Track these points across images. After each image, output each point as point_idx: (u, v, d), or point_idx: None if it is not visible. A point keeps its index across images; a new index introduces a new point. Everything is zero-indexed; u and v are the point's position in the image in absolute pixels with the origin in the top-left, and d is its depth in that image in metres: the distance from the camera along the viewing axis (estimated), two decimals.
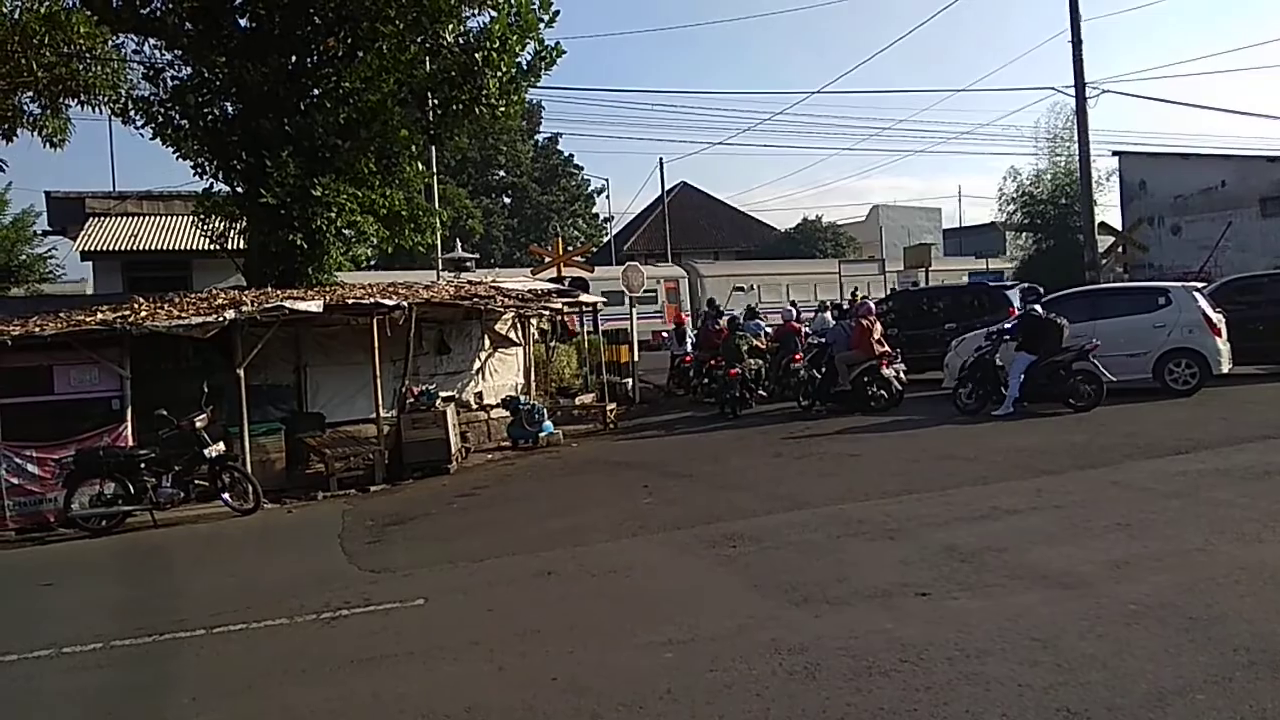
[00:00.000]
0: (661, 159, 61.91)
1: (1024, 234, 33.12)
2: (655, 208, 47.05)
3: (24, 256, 21.11)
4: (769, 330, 18.20)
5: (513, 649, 5.37)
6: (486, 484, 11.48)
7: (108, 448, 10.60)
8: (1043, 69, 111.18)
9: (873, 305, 15.46)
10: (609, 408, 16.02)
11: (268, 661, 5.57)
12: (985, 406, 13.05)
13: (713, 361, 16.27)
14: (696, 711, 4.29)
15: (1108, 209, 29.27)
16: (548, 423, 14.39)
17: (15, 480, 10.54)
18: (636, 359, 18.69)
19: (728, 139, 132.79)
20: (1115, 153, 29.90)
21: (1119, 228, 26.48)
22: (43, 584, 8.21)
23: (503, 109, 15.05)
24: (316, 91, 14.06)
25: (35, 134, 15.29)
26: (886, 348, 14.32)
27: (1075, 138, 23.26)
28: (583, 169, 52.79)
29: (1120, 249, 24.98)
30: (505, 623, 5.93)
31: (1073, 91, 22.30)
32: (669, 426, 15.25)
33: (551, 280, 18.49)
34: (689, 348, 18.95)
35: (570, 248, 22.37)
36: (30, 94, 14.68)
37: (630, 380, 18.40)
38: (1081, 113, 22.24)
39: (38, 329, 10.79)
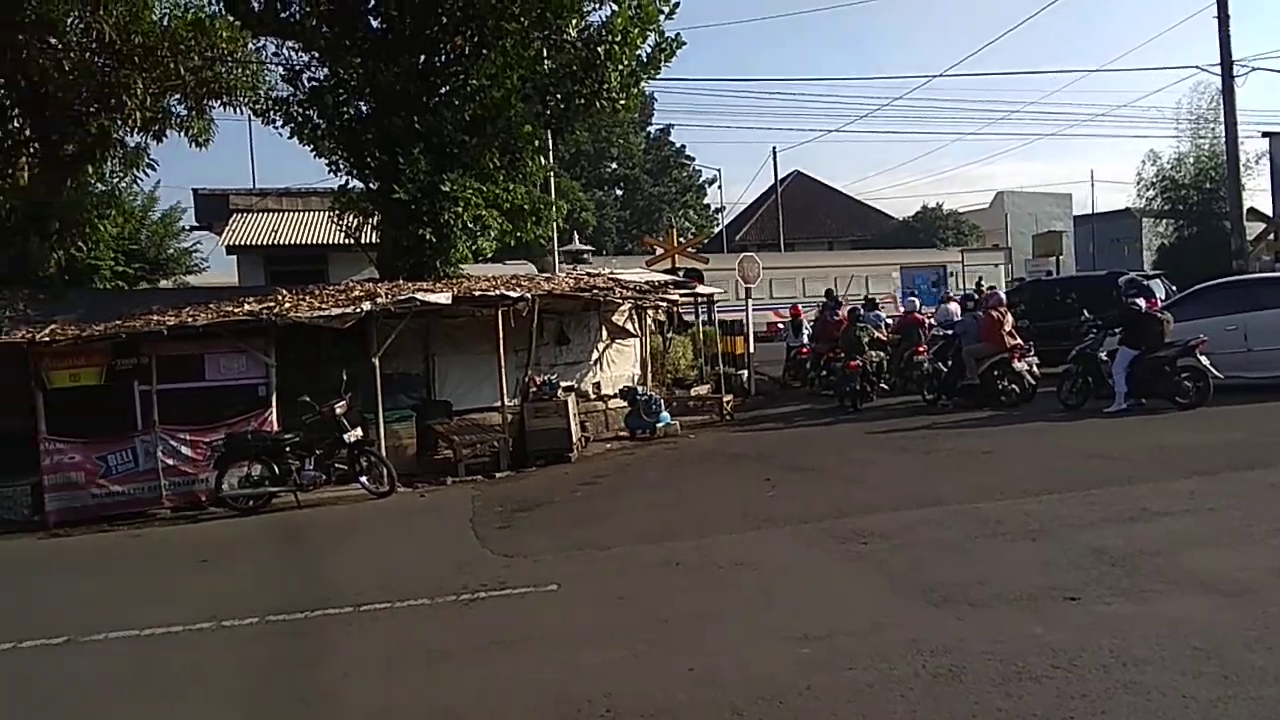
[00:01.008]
0: (775, 148, 61.24)
1: (1164, 221, 31.28)
2: (768, 197, 46.59)
3: (171, 250, 22.43)
4: (890, 321, 17.78)
5: (646, 637, 5.42)
6: (607, 473, 11.62)
7: (255, 432, 11.21)
8: (1185, 46, 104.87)
9: (1003, 296, 14.89)
10: (725, 399, 15.97)
11: (412, 640, 5.79)
12: (1086, 401, 12.62)
13: (831, 353, 16.01)
14: (838, 710, 4.24)
15: (1256, 194, 27.33)
16: (665, 413, 14.46)
17: (170, 461, 11.25)
18: (752, 350, 18.57)
19: (843, 126, 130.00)
20: (1265, 134, 27.86)
21: (1269, 214, 24.72)
22: (199, 560, 8.76)
23: (623, 102, 15.14)
24: (444, 89, 14.45)
25: (182, 134, 16.19)
26: (1018, 340, 13.79)
27: (1221, 119, 21.82)
28: (694, 160, 52.76)
29: (1271, 236, 23.32)
30: (637, 611, 6.00)
31: (1219, 70, 20.93)
32: (787, 419, 15.10)
33: (666, 271, 18.55)
34: (805, 339, 18.71)
35: (682, 239, 22.39)
36: (178, 96, 15.50)
37: (746, 372, 18.30)
38: (1229, 92, 20.85)
39: (190, 319, 11.48)
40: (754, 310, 19.50)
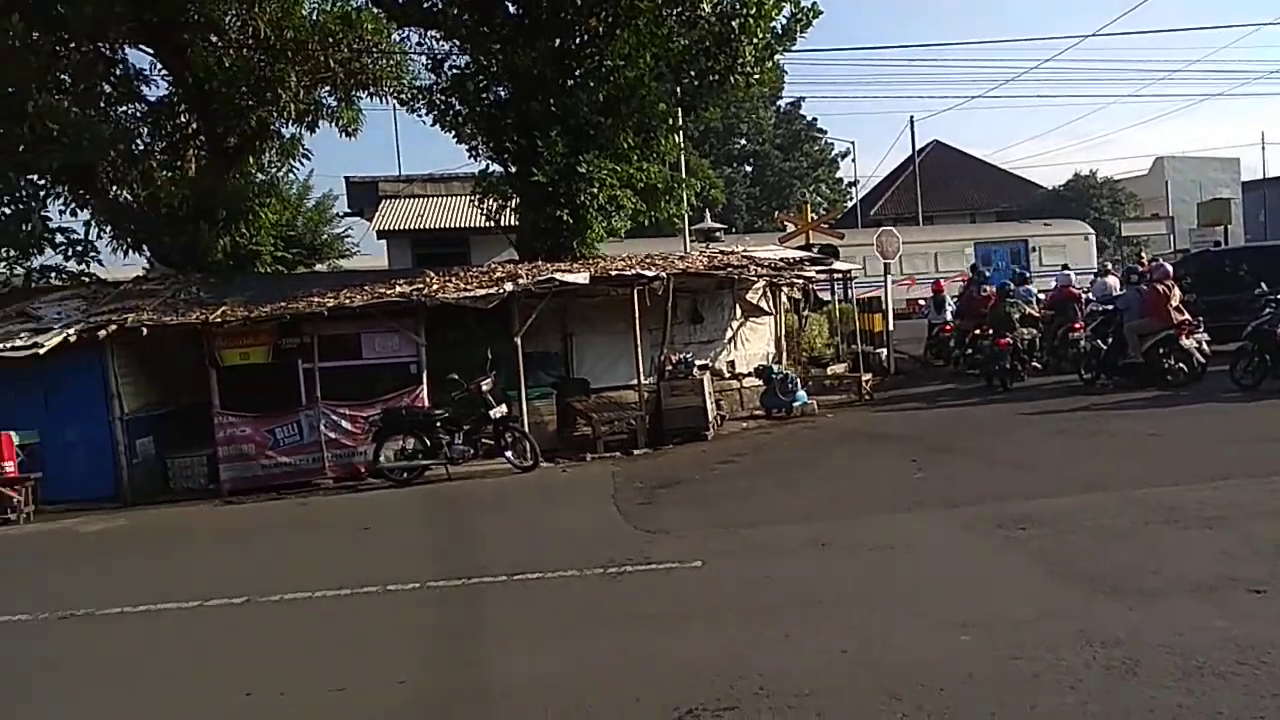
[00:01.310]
0: (912, 117, 59.21)
1: None
2: (904, 169, 45.07)
3: (325, 236, 23.56)
4: (1042, 296, 16.93)
5: (796, 618, 5.38)
6: (745, 452, 11.58)
7: (408, 407, 11.74)
8: None
9: (1170, 268, 13.92)
10: (864, 378, 15.62)
11: (564, 610, 5.95)
12: (1263, 381, 11.73)
13: (978, 330, 15.38)
14: (1004, 700, 4.10)
15: None
16: (801, 392, 14.27)
17: (332, 435, 11.91)
18: (891, 328, 18.07)
19: (987, 92, 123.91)
20: None
21: None
22: (362, 528, 9.26)
23: (757, 77, 14.93)
24: (579, 72, 14.59)
25: (332, 125, 16.95)
26: (1186, 315, 12.90)
27: None
28: (826, 133, 51.55)
29: None
30: (785, 591, 5.96)
31: None
32: (930, 399, 14.64)
33: (800, 248, 18.24)
34: (949, 316, 18.05)
35: (814, 215, 21.92)
36: (328, 88, 16.20)
37: (885, 350, 17.83)
38: None
39: (348, 301, 12.08)
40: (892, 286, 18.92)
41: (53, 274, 15.22)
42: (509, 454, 11.58)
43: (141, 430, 12.18)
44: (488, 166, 15.83)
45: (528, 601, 6.20)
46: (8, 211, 14.09)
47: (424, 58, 15.84)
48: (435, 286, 12.57)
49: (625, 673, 4.75)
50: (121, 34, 13.93)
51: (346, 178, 20.29)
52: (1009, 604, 5.28)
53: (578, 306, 13.95)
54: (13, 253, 14.60)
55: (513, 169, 15.02)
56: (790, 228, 20.50)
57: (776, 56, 15.15)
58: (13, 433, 11.06)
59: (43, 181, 14.24)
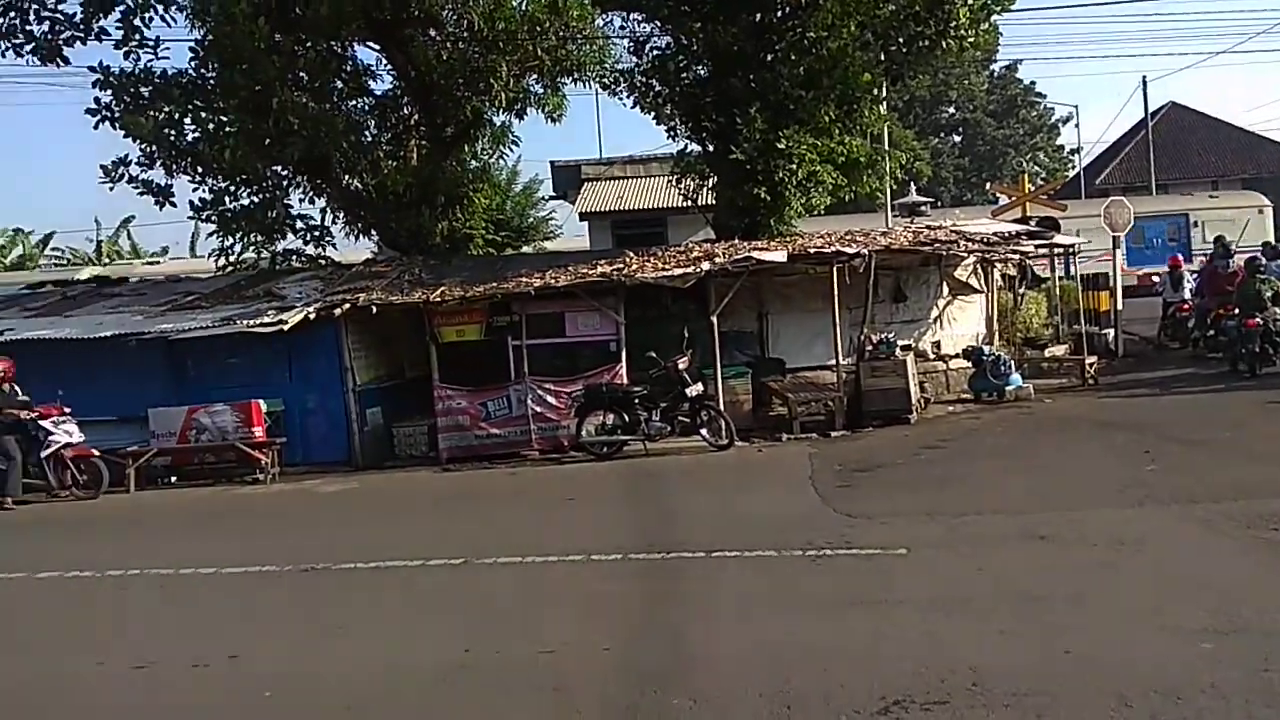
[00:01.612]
0: (1144, 77, 53.94)
1: None
2: (1135, 134, 41.27)
3: (531, 219, 24.57)
4: None
5: (1011, 613, 5.10)
6: (952, 437, 11.07)
7: (608, 384, 12.06)
8: None
9: None
10: (1087, 361, 14.49)
11: (764, 590, 5.93)
12: None
13: (1221, 310, 13.89)
14: (1253, 713, 3.73)
15: None
16: (1015, 375, 13.43)
17: (538, 409, 12.44)
18: (1120, 307, 16.64)
19: (1232, 47, 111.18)
20: None
21: None
22: (566, 498, 9.63)
23: (971, 40, 14.11)
24: (780, 45, 14.33)
25: (539, 111, 17.58)
26: None
27: None
28: (1045, 97, 48.01)
29: None
30: (999, 584, 5.67)
31: None
32: (1164, 384, 13.37)
33: (1015, 221, 17.12)
34: (1187, 294, 16.41)
35: (1032, 185, 20.47)
36: (535, 76, 16.82)
37: (1111, 331, 16.46)
38: None
39: (553, 281, 12.53)
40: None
41: (294, 257, 16.74)
42: (704, 432, 11.66)
43: (371, 401, 13.21)
44: (686, 146, 15.92)
45: (727, 579, 6.22)
46: (256, 200, 15.60)
47: (626, 41, 16.13)
48: (634, 266, 12.80)
49: (829, 657, 4.67)
50: (352, 32, 15.05)
51: (551, 162, 21.07)
52: (1259, 610, 4.75)
53: (774, 285, 13.80)
54: (260, 237, 16.18)
55: (710, 148, 15.02)
56: (1004, 199, 19.28)
57: (994, 17, 14.25)
58: (261, 401, 12.31)
59: (285, 172, 15.66)
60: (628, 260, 13.17)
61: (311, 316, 12.43)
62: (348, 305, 12.59)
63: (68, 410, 11.71)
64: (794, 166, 13.80)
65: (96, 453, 11.69)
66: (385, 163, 16.19)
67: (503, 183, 21.63)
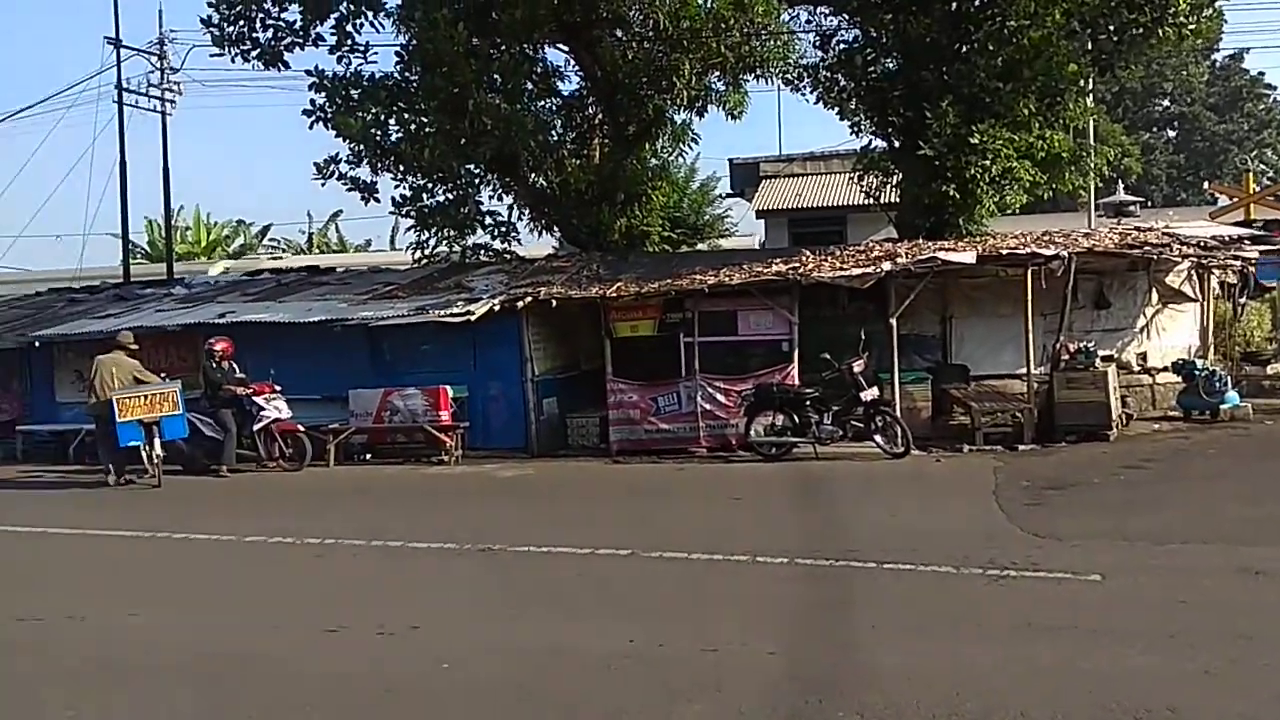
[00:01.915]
0: None
1: None
2: None
3: (706, 216, 24.58)
4: None
5: (1218, 651, 4.63)
6: (1157, 457, 10.21)
7: (779, 384, 11.91)
8: None
9: None
10: None
11: (937, 607, 5.66)
12: None
13: None
14: None
15: None
16: (1232, 393, 12.25)
17: (708, 406, 12.45)
18: None
19: None
20: None
21: None
22: (733, 497, 9.58)
23: (1192, 27, 12.96)
24: (977, 35, 13.67)
25: (720, 109, 17.56)
26: None
27: None
28: (1276, 89, 43.39)
29: None
30: (1203, 619, 5.16)
31: None
32: None
33: (1237, 224, 15.56)
34: None
35: (1258, 185, 18.52)
36: (718, 73, 16.82)
37: None
38: None
39: (727, 279, 12.50)
40: None
41: (482, 251, 17.52)
42: (879, 438, 11.29)
43: (548, 391, 13.66)
44: (870, 142, 15.50)
45: (899, 592, 5.99)
46: (450, 197, 16.44)
47: (811, 35, 15.88)
48: (811, 265, 12.57)
49: (1008, 683, 4.40)
50: (544, 35, 15.58)
51: (730, 160, 21.03)
52: None
53: (960, 287, 13.18)
54: (452, 232, 17.03)
55: (897, 143, 14.56)
56: (1224, 200, 17.56)
57: (1218, 2, 13.02)
58: (448, 387, 12.97)
59: (477, 170, 16.41)
60: (804, 259, 12.96)
61: (496, 308, 12.97)
62: (530, 298, 13.04)
63: (278, 388, 12.78)
64: (987, 162, 13.16)
65: (302, 428, 12.69)
66: (569, 161, 16.67)
67: (680, 180, 21.77)
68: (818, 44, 15.46)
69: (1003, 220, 15.51)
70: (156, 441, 11.77)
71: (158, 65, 23.37)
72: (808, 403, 11.48)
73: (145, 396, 11.85)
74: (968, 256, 11.83)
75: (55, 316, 16.53)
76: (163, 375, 12.66)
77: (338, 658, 5.24)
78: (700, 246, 22.66)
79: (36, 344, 15.11)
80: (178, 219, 30.38)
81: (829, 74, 15.14)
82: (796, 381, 12.09)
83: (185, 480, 12.20)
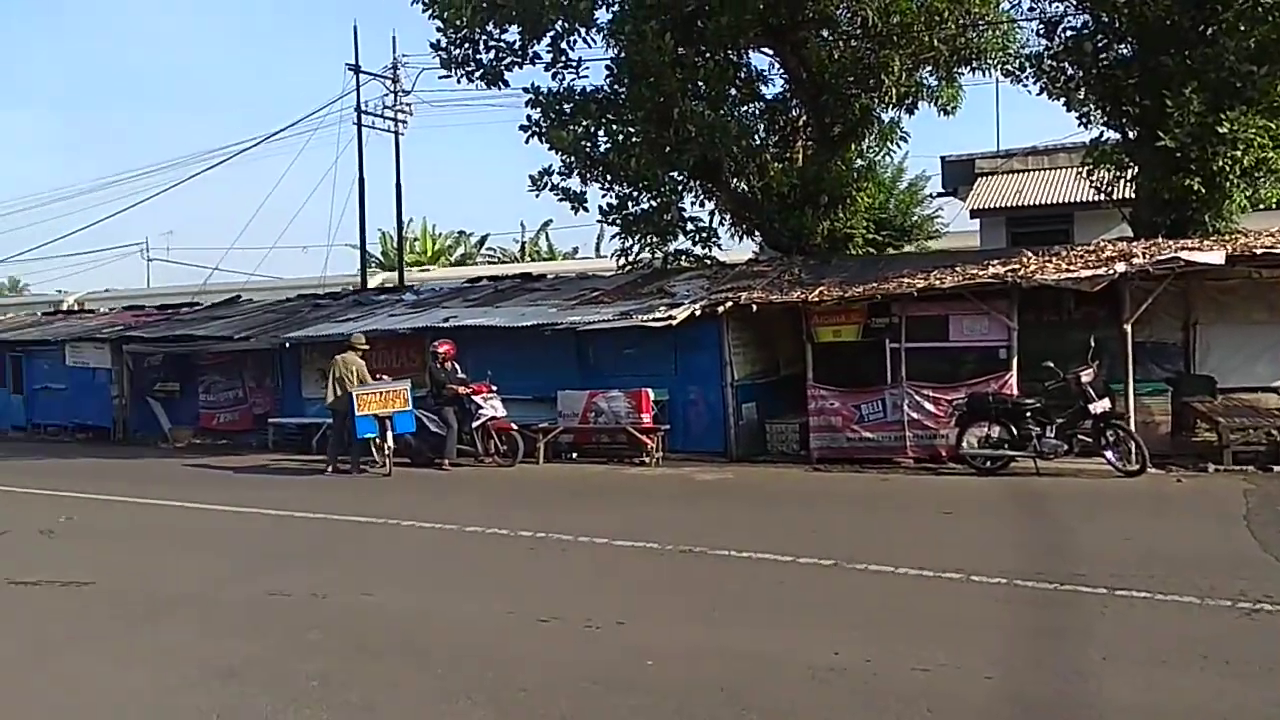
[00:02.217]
0: None
1: None
2: None
3: (915, 217, 23.71)
4: None
5: None
6: None
7: (995, 394, 11.26)
8: None
9: None
10: None
11: (1178, 640, 5.16)
12: None
13: None
14: None
15: None
16: None
17: (915, 415, 11.98)
18: None
19: None
20: None
21: None
22: (943, 511, 9.16)
23: None
24: (1226, 15, 12.37)
25: (931, 105, 16.88)
26: None
27: None
28: None
29: None
30: None
31: None
32: None
33: None
34: None
35: None
36: (929, 68, 16.18)
37: None
38: None
39: (938, 282, 11.97)
40: None
41: (683, 256, 17.77)
42: (1110, 454, 10.44)
43: (747, 396, 13.63)
44: (1101, 134, 14.40)
45: (1134, 621, 5.50)
46: (654, 204, 16.78)
47: (1034, 24, 14.98)
48: (1032, 267, 11.82)
49: None
50: (749, 40, 15.59)
51: (942, 157, 20.12)
52: None
53: (1206, 290, 12.01)
54: (655, 238, 17.38)
55: (1132, 135, 13.46)
56: None
57: None
58: (650, 390, 13.23)
59: (681, 177, 16.66)
60: (1024, 260, 12.21)
61: (697, 313, 13.10)
62: (730, 303, 13.07)
63: (494, 388, 13.53)
64: (1238, 153, 11.94)
65: (515, 426, 13.38)
66: (772, 165, 16.59)
67: (887, 180, 21.14)
68: (1042, 31, 14.55)
69: (1256, 216, 13.97)
70: (389, 435, 12.82)
71: (391, 88, 25.39)
72: (1028, 414, 10.79)
73: (380, 393, 12.92)
74: (1215, 256, 10.72)
75: (302, 320, 18.29)
76: (379, 375, 13.72)
77: (549, 647, 5.46)
78: (908, 248, 21.91)
79: (286, 345, 16.80)
80: (407, 230, 32.78)
81: (1054, 63, 14.21)
82: (1015, 391, 11.41)
83: (411, 471, 13.16)
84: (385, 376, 13.69)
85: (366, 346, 13.85)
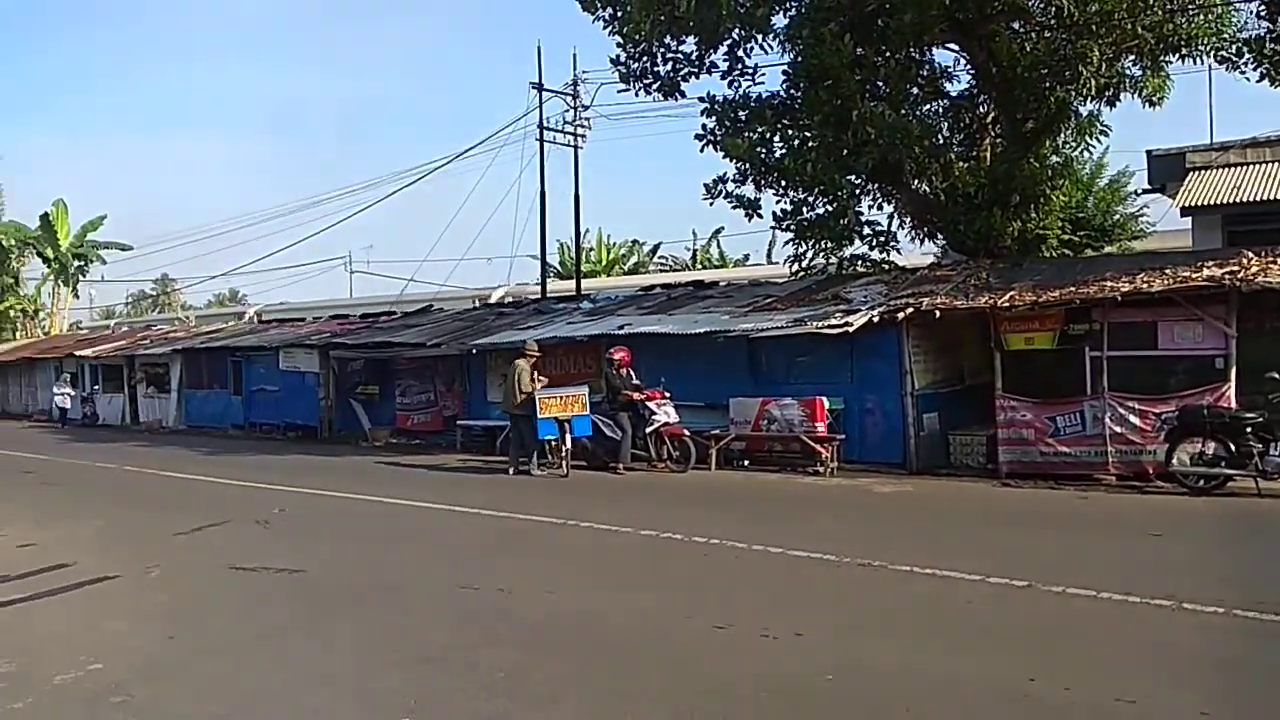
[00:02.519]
0: None
1: None
2: None
3: (1116, 215, 22.09)
4: None
5: None
6: None
7: (1210, 407, 10.32)
8: None
9: None
10: None
11: None
12: None
13: None
14: None
15: None
16: None
17: (1118, 429, 11.15)
18: None
19: None
20: None
21: None
22: (1151, 533, 8.46)
23: None
24: None
25: (1135, 96, 15.69)
26: None
27: None
28: None
29: None
30: None
31: None
32: None
33: None
34: None
35: None
36: (1132, 57, 15.07)
37: None
38: None
39: (1145, 285, 11.11)
40: None
41: (858, 262, 17.34)
42: None
43: (928, 406, 13.12)
44: None
45: None
46: (830, 209, 16.45)
47: (1254, 4, 13.66)
48: (1254, 269, 10.77)
49: None
50: (933, 36, 15.04)
51: (1148, 151, 18.60)
52: None
53: None
54: (830, 244, 17.04)
55: None
56: None
57: None
58: (824, 398, 12.97)
59: (858, 181, 16.27)
60: (1245, 261, 11.14)
61: (875, 320, 12.74)
62: (910, 309, 12.64)
63: (667, 394, 13.69)
64: None
65: (687, 433, 13.47)
66: (957, 164, 15.95)
67: (1085, 178, 19.82)
68: (1264, 13, 13.23)
69: None
70: (568, 437, 13.24)
71: (571, 104, 26.21)
72: (1248, 429, 9.81)
73: (561, 397, 13.36)
74: None
75: (487, 328, 19.18)
76: (543, 380, 13.97)
77: (725, 653, 5.45)
78: (1108, 249, 20.44)
79: (473, 351, 17.66)
80: (583, 240, 33.75)
81: (1277, 46, 12.90)
82: (1233, 404, 10.41)
83: (587, 474, 13.51)
84: (546, 380, 14.05)
85: (539, 354, 14.33)
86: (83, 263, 46.01)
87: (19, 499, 13.04)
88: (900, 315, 12.66)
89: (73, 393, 30.15)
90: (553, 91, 25.89)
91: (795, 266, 17.54)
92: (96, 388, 30.54)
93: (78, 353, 31.08)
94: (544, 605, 6.66)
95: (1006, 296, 12.05)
